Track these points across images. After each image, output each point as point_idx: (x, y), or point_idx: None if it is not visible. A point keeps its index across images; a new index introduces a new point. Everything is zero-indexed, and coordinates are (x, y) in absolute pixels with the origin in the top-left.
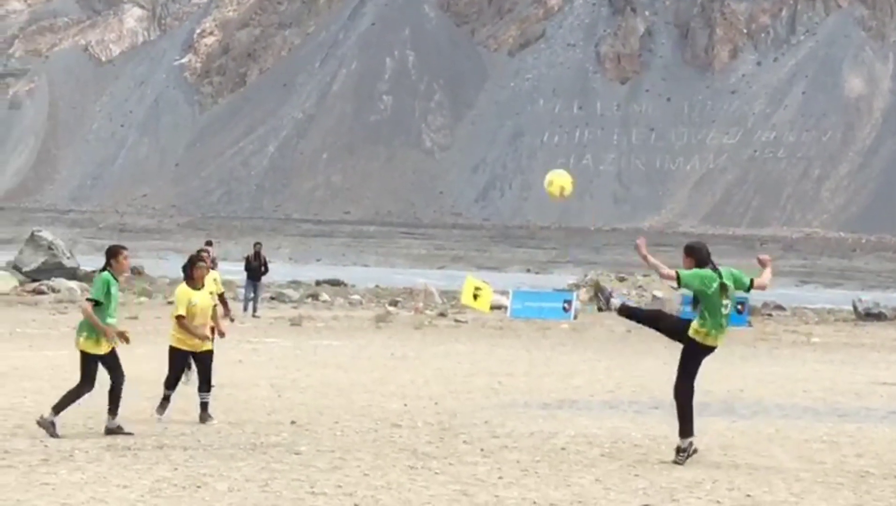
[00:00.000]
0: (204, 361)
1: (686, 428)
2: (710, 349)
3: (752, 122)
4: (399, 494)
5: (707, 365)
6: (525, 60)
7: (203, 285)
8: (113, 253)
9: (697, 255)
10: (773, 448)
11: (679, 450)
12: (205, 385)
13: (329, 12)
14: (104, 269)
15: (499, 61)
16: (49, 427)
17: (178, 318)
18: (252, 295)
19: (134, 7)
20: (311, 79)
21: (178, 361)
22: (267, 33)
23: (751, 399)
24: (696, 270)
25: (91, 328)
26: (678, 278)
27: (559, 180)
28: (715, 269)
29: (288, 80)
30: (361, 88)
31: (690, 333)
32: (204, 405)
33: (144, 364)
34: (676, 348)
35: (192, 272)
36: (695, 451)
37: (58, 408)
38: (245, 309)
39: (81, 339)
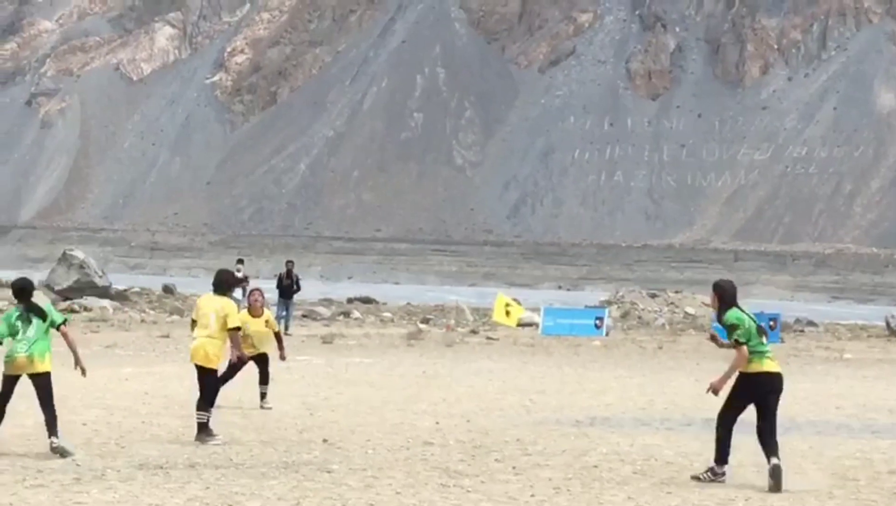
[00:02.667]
0: (210, 379)
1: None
2: (760, 378)
3: (784, 137)
4: None
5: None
6: (555, 77)
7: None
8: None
9: (724, 293)
10: (807, 465)
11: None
12: (207, 404)
13: (360, 30)
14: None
15: (529, 78)
16: (62, 450)
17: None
18: (284, 313)
19: (165, 26)
20: (342, 97)
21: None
22: (298, 51)
23: (783, 416)
24: (736, 317)
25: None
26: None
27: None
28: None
29: (319, 98)
30: (392, 106)
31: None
32: (201, 425)
33: (175, 383)
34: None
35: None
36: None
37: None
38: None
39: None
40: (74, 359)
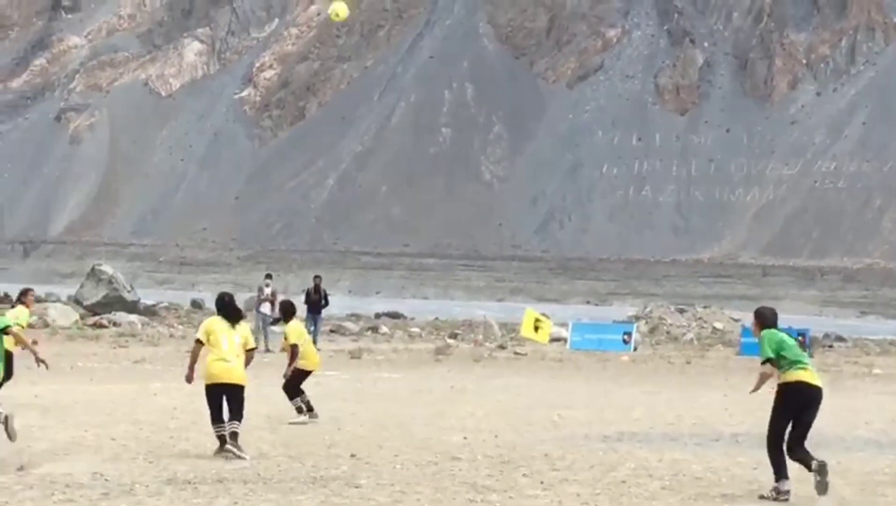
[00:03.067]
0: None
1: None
2: (798, 386)
3: (812, 152)
4: None
5: (768, 397)
6: (583, 92)
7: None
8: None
9: (765, 320)
10: (835, 481)
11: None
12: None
13: (388, 46)
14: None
15: (557, 93)
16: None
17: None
18: (312, 328)
19: (194, 42)
20: (370, 112)
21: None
22: (326, 67)
23: (812, 432)
24: (767, 337)
25: None
26: (771, 361)
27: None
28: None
29: (347, 114)
30: (420, 121)
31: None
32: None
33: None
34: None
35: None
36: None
37: None
38: None
39: None
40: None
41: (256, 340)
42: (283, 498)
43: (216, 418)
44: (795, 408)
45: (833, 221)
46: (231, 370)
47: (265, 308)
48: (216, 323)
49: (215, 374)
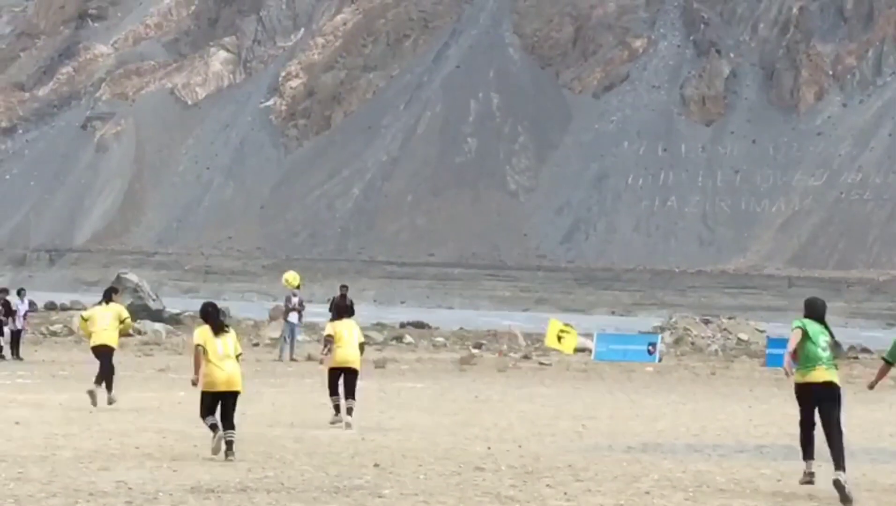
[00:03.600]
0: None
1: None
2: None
3: (838, 163)
4: None
5: (793, 409)
6: (609, 102)
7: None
8: None
9: (805, 308)
10: (860, 493)
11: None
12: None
13: (413, 55)
14: None
15: (583, 103)
16: None
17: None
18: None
19: (220, 51)
20: (396, 121)
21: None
22: (352, 76)
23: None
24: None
25: None
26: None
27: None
28: (814, 320)
29: (373, 123)
30: (446, 131)
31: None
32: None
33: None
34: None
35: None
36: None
37: None
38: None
39: None
40: None
41: (282, 349)
42: None
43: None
44: (811, 405)
45: (859, 232)
46: (228, 378)
47: (293, 317)
48: (207, 332)
49: (213, 382)
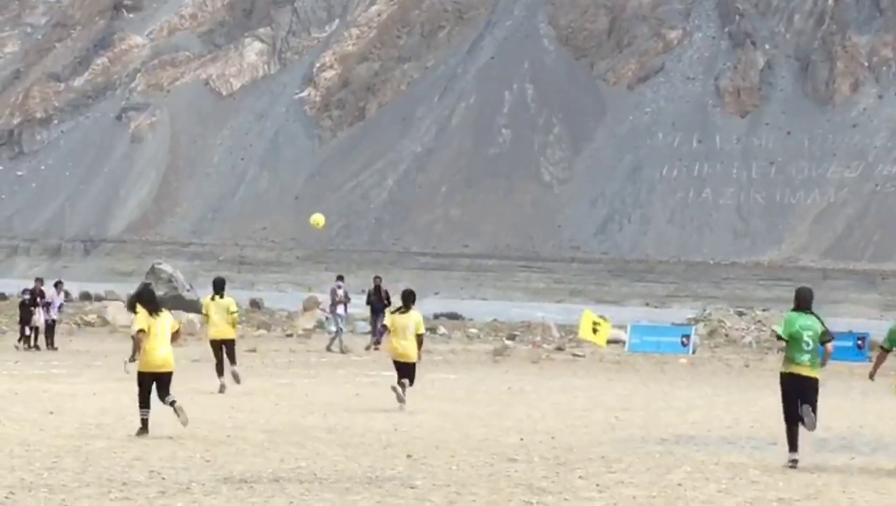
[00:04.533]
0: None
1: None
2: (793, 379)
3: (874, 155)
4: None
5: (826, 401)
6: (644, 94)
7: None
8: None
9: (794, 300)
10: (893, 485)
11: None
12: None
13: (448, 46)
14: None
15: (618, 95)
16: None
17: (383, 326)
18: (372, 328)
19: (255, 41)
20: (431, 112)
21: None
22: (386, 67)
23: (870, 435)
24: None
25: None
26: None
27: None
28: (802, 311)
29: (407, 114)
30: (480, 122)
31: None
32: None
33: (261, 397)
34: None
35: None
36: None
37: None
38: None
39: None
40: None
41: (332, 340)
42: (339, 498)
43: (144, 403)
44: (795, 395)
45: (894, 224)
46: (164, 359)
47: (340, 309)
48: (147, 316)
49: (151, 362)
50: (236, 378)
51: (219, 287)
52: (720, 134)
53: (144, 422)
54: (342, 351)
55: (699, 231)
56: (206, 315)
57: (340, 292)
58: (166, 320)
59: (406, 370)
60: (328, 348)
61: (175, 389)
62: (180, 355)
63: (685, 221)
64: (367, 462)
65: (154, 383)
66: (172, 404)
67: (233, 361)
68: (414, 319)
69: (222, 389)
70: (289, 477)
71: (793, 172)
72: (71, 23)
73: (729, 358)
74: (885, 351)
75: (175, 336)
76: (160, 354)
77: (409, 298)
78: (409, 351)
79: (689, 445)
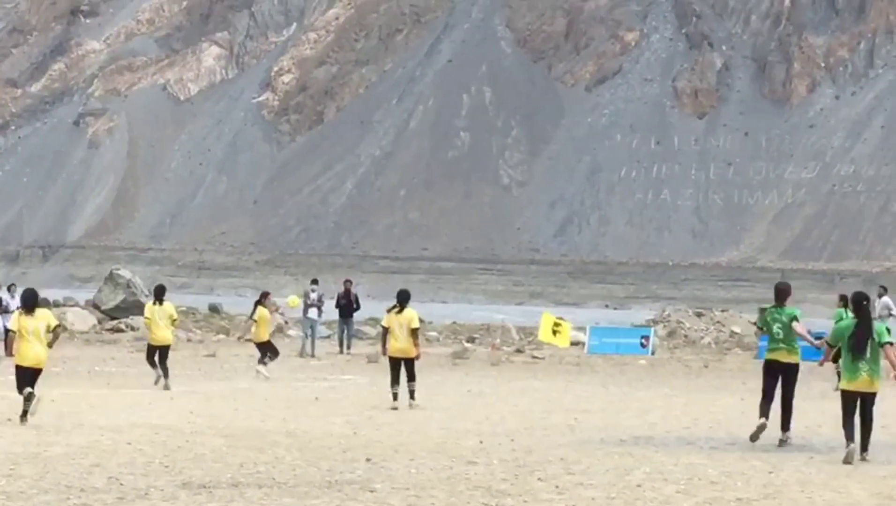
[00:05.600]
0: None
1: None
2: (771, 364)
3: (831, 156)
4: None
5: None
6: (602, 96)
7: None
8: None
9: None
10: (851, 485)
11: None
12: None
13: (406, 50)
14: None
15: (576, 97)
16: None
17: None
18: (345, 332)
19: (212, 46)
20: (389, 116)
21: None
22: (344, 71)
23: (829, 435)
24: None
25: None
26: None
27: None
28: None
29: (365, 118)
30: (438, 125)
31: None
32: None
33: (220, 402)
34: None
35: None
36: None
37: None
38: (341, 347)
39: None
40: None
41: (303, 346)
42: (298, 502)
43: (20, 391)
44: (775, 378)
45: (852, 224)
46: (36, 355)
47: (313, 313)
48: (23, 317)
49: (24, 357)
50: (166, 385)
51: (159, 294)
52: (678, 135)
53: (25, 412)
54: (313, 355)
55: (658, 232)
56: (149, 320)
57: (314, 296)
58: (41, 321)
59: (405, 366)
60: (301, 354)
61: (136, 394)
62: (139, 361)
63: (644, 223)
64: (327, 466)
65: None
66: (30, 395)
67: (165, 367)
68: (407, 317)
69: (158, 379)
70: (248, 482)
71: (750, 172)
72: (28, 28)
73: (688, 359)
74: (831, 347)
75: (55, 336)
76: (32, 351)
77: (403, 298)
78: (407, 347)
79: (648, 446)
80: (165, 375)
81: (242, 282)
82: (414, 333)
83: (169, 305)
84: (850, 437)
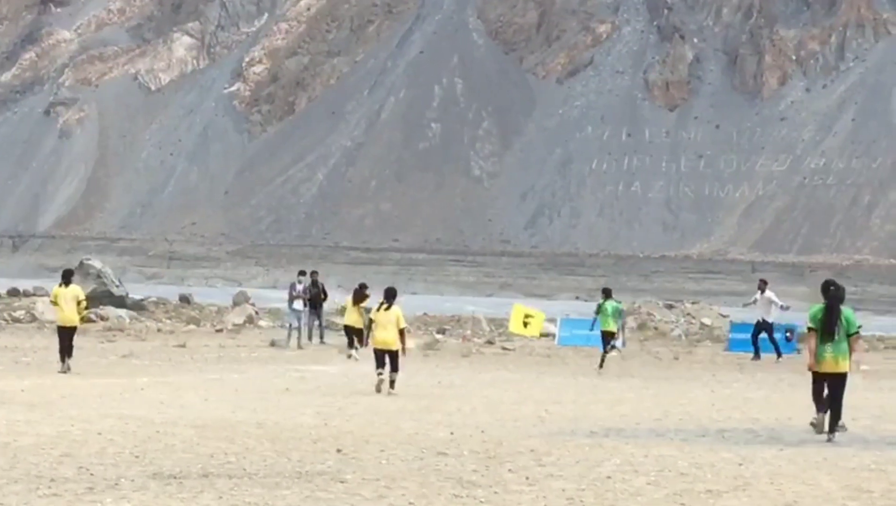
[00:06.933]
0: None
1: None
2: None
3: (802, 148)
4: None
5: (755, 393)
6: (573, 88)
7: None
8: None
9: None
10: (821, 476)
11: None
12: None
13: (377, 40)
14: None
15: (547, 89)
16: None
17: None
18: (316, 323)
19: (183, 36)
20: (360, 107)
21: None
22: (315, 61)
23: (799, 427)
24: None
25: None
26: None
27: None
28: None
29: (337, 109)
30: (410, 116)
31: None
32: None
33: (191, 393)
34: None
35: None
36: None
37: None
38: (310, 337)
39: None
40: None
41: (289, 336)
42: (269, 493)
43: None
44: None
45: (822, 217)
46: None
47: (297, 305)
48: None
49: (60, 318)
50: (68, 365)
51: (66, 277)
52: (649, 127)
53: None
54: (299, 347)
55: (629, 224)
56: (55, 302)
57: (300, 287)
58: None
59: (389, 357)
60: (299, 345)
61: (106, 384)
62: (110, 351)
63: (615, 215)
64: (297, 457)
65: None
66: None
67: (69, 349)
68: (395, 314)
69: (67, 369)
70: (218, 472)
71: (721, 165)
72: None
73: (658, 351)
74: (813, 330)
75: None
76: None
77: (390, 296)
78: (389, 339)
79: (618, 437)
80: (69, 354)
81: (213, 272)
82: (401, 333)
83: (75, 288)
84: (820, 409)
